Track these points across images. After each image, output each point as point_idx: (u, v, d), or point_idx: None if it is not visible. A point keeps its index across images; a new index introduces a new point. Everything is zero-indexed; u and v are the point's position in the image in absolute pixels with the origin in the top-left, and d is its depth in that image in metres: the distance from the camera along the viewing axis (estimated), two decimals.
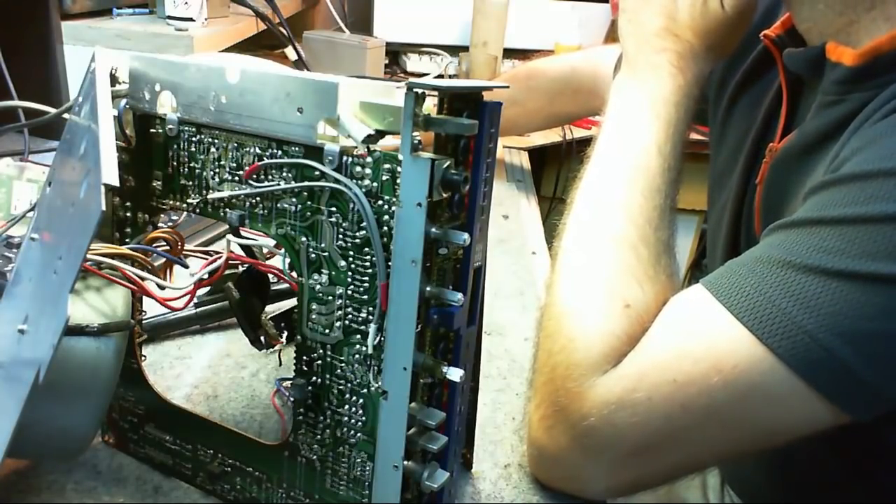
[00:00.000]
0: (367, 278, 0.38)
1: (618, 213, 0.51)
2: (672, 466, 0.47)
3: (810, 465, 0.61)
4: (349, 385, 0.39)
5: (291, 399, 0.42)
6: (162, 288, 0.42)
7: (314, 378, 0.41)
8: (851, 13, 0.51)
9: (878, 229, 0.40)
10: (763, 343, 0.41)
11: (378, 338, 0.37)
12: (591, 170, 0.55)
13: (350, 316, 0.39)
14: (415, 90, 0.33)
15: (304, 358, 0.41)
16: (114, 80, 0.43)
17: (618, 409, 0.44)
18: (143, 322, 0.55)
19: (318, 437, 0.41)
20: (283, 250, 0.41)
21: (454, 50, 1.64)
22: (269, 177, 0.40)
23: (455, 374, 0.37)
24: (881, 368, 0.41)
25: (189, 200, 0.43)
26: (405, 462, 0.37)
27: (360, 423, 0.39)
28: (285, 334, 0.51)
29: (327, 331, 0.40)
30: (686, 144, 0.56)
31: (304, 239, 0.39)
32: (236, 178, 0.41)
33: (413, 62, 1.66)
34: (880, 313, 0.40)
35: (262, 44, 1.48)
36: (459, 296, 0.36)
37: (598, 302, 0.48)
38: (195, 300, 0.56)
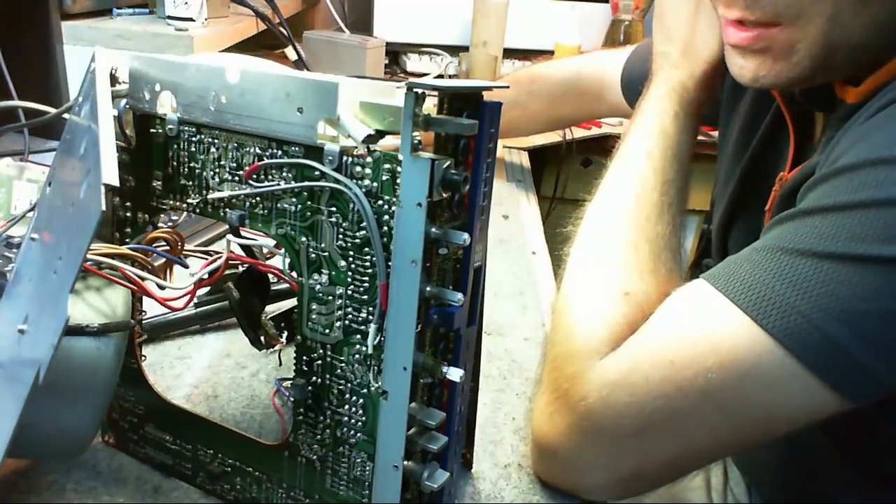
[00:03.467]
0: (367, 278, 0.38)
1: (618, 215, 0.54)
2: (671, 456, 0.47)
3: (812, 447, 0.61)
4: (349, 385, 0.39)
5: (291, 399, 0.42)
6: (162, 288, 0.42)
7: (314, 378, 0.41)
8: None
9: (866, 214, 0.42)
10: (758, 324, 0.42)
11: (378, 338, 0.37)
12: (602, 182, 0.59)
13: (350, 316, 0.39)
14: (415, 90, 0.33)
15: (304, 358, 0.41)
16: (114, 80, 0.43)
17: (615, 390, 0.45)
18: (143, 322, 0.55)
19: (318, 437, 0.41)
20: (283, 250, 0.41)
21: (454, 50, 1.63)
22: (269, 177, 0.40)
23: (455, 374, 0.37)
24: (876, 348, 0.41)
25: (189, 200, 0.43)
26: (405, 462, 0.37)
27: (360, 423, 0.39)
28: (285, 334, 0.51)
29: (327, 331, 0.39)
30: (681, 149, 0.60)
31: (304, 239, 0.39)
32: (236, 178, 0.41)
33: (413, 62, 1.66)
34: (873, 293, 0.41)
35: (262, 44, 1.47)
36: (459, 296, 0.36)
37: (599, 291, 0.50)
38: (195, 300, 0.56)
